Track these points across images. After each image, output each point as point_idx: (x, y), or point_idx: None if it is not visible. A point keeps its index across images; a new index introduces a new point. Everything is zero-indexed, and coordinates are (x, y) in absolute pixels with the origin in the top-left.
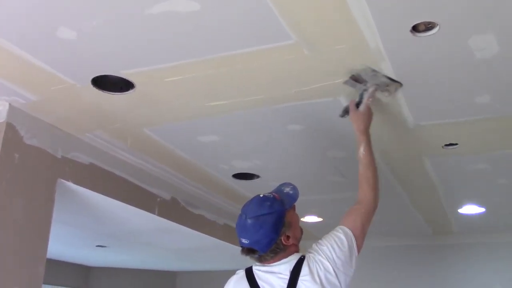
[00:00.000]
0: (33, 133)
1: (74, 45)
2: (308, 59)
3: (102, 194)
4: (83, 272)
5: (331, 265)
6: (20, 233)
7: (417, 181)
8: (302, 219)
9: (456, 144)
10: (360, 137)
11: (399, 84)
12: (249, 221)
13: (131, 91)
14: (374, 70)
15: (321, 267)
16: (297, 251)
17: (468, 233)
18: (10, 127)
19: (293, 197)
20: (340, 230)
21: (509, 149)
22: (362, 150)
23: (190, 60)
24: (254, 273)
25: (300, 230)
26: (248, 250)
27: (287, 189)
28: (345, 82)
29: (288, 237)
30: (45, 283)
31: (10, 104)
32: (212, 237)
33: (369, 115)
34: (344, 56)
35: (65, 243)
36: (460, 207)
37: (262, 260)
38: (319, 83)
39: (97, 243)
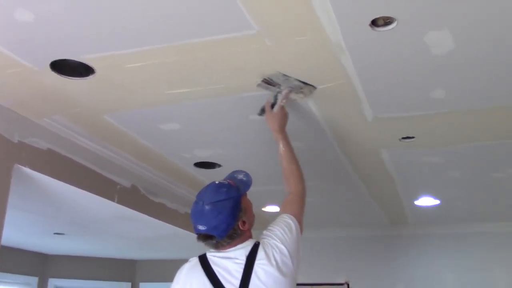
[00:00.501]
0: None
1: (32, 27)
2: (269, 50)
3: (61, 180)
4: (41, 260)
5: (286, 248)
6: None
7: (375, 173)
8: (263, 209)
9: (413, 137)
10: (277, 136)
11: (313, 87)
12: (206, 207)
13: (91, 76)
14: (285, 75)
15: (277, 250)
16: (251, 237)
17: (423, 224)
18: None
19: (247, 184)
20: (286, 217)
21: (463, 143)
22: (281, 146)
23: (152, 47)
24: (208, 260)
25: (253, 216)
26: (205, 237)
27: (240, 176)
28: (258, 85)
29: (244, 222)
30: (1, 271)
31: None
32: (172, 226)
33: (282, 115)
34: (305, 48)
35: (22, 230)
36: (416, 199)
37: (219, 246)
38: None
39: (55, 230)
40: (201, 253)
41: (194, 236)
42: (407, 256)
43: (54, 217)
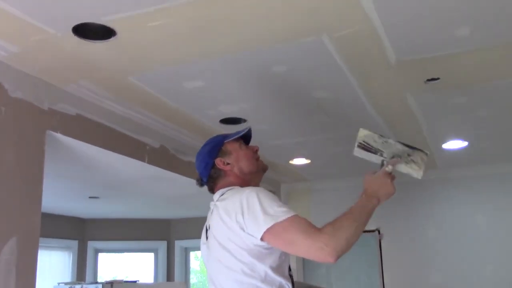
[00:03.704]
0: (17, 86)
1: None
2: None
3: (91, 144)
4: (79, 224)
5: (230, 218)
6: (14, 184)
7: (400, 117)
8: (290, 162)
9: (438, 78)
10: (363, 195)
11: (424, 153)
12: (197, 155)
13: (113, 38)
14: (382, 136)
15: (234, 207)
16: (241, 185)
17: (452, 168)
18: None
19: (239, 132)
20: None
21: (488, 81)
22: (355, 204)
23: (171, 4)
24: None
25: (250, 164)
26: (197, 181)
27: (241, 129)
28: (355, 153)
29: (226, 163)
30: (42, 236)
31: None
32: None
33: (383, 184)
34: None
35: (58, 196)
36: (444, 142)
37: (209, 189)
38: (300, 22)
39: (90, 194)
40: None
41: None
42: (437, 201)
43: (87, 181)
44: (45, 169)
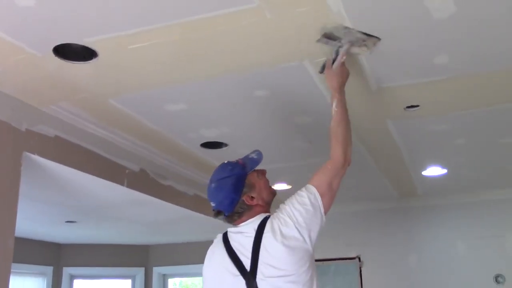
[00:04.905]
0: None
1: (33, 12)
2: (270, 23)
3: (69, 166)
4: (55, 249)
5: (292, 221)
6: None
7: (381, 144)
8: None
9: (418, 105)
10: (334, 94)
11: (377, 38)
12: (213, 185)
13: (94, 59)
14: (346, 27)
15: (283, 223)
16: (265, 212)
17: (432, 195)
18: None
19: (256, 161)
20: (304, 189)
21: (468, 109)
22: (334, 106)
23: (152, 26)
24: (228, 235)
25: (269, 193)
26: (216, 213)
27: (252, 155)
28: (318, 41)
29: (252, 197)
30: (15, 261)
31: None
32: (182, 208)
33: (342, 72)
34: (306, 19)
35: (34, 220)
36: (424, 169)
37: (230, 220)
38: (282, 48)
39: (67, 218)
40: (214, 234)
41: (205, 217)
42: (418, 228)
43: (65, 205)
44: (21, 191)
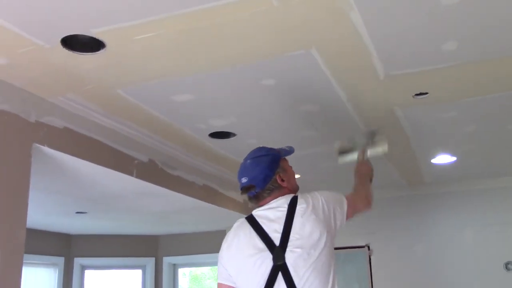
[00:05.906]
0: (4, 98)
1: (41, 3)
2: (277, 11)
3: (79, 157)
4: (66, 240)
5: (321, 203)
6: None
7: (390, 132)
8: None
9: (426, 93)
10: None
11: (377, 130)
12: (248, 161)
13: (102, 50)
14: (350, 140)
15: (315, 198)
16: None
17: (440, 183)
18: None
19: (289, 151)
20: (335, 193)
21: (477, 95)
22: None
23: (160, 16)
24: (253, 215)
25: (296, 183)
26: (247, 188)
27: (284, 147)
28: (340, 162)
29: (283, 180)
30: (27, 252)
31: None
32: (191, 198)
33: (365, 166)
34: (313, 6)
35: (44, 211)
36: (433, 157)
37: (260, 198)
38: (289, 36)
39: (77, 209)
40: (223, 225)
41: (214, 207)
42: (426, 216)
43: (74, 196)
44: (31, 182)
